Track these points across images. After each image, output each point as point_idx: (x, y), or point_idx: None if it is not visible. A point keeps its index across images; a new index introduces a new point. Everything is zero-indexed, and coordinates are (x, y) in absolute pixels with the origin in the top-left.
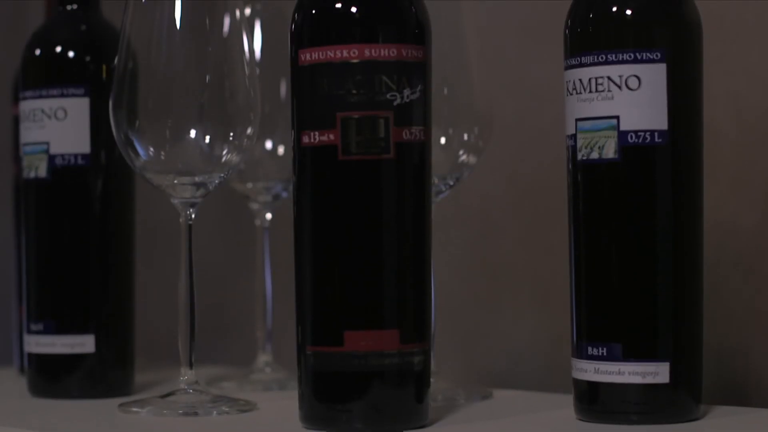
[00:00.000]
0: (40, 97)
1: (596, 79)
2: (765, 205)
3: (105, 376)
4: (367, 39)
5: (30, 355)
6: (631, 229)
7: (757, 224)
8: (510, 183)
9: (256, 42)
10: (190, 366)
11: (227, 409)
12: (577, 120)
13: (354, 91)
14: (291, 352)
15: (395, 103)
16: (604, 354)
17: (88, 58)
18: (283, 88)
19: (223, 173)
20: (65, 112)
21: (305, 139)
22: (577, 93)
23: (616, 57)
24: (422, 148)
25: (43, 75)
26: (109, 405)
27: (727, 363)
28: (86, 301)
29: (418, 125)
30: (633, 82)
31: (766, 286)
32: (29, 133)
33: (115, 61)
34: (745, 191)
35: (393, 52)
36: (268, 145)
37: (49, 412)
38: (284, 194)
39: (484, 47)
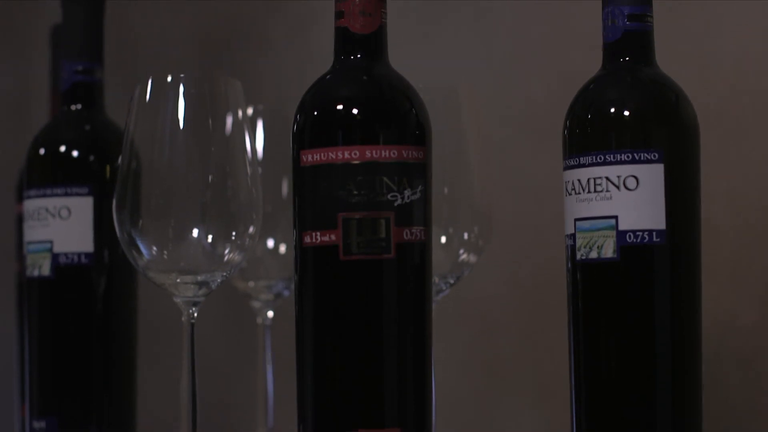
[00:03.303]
0: (44, 196)
1: (595, 179)
2: (764, 302)
3: None
4: (368, 140)
5: None
6: (631, 328)
7: (756, 321)
8: (510, 281)
9: (258, 142)
10: None
11: None
12: (576, 220)
13: (355, 192)
14: None
15: (396, 204)
16: None
17: (92, 158)
18: (285, 187)
19: (226, 272)
20: (69, 211)
21: (307, 239)
22: (575, 193)
23: (614, 157)
24: (423, 248)
25: (48, 174)
26: None
27: None
28: (88, 399)
29: (419, 225)
30: (631, 183)
31: (766, 382)
32: (33, 232)
33: (119, 160)
34: (744, 288)
35: (394, 153)
36: (270, 243)
37: None
38: (286, 293)
39: (484, 147)
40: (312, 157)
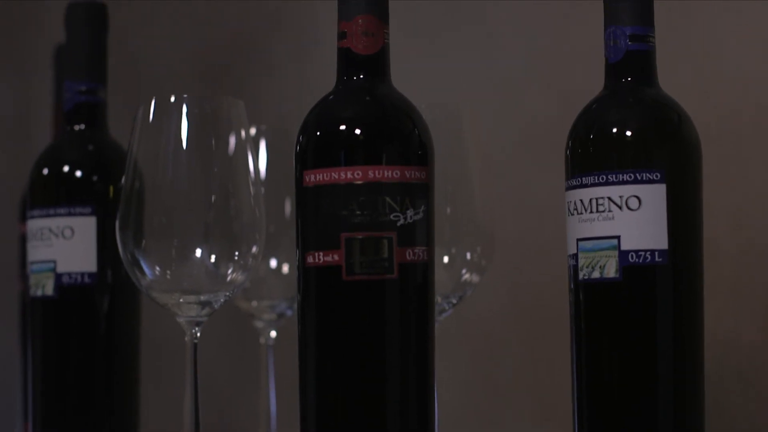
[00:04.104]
0: (48, 215)
1: (597, 199)
2: (766, 321)
3: None
4: (371, 161)
5: None
6: (633, 347)
7: (758, 339)
8: (512, 301)
9: (261, 161)
10: None
11: None
12: (578, 240)
13: (358, 212)
14: None
15: (399, 224)
16: None
17: (95, 178)
18: (288, 207)
19: (229, 292)
20: (72, 230)
21: (310, 260)
22: (578, 213)
23: (616, 178)
24: (425, 268)
25: (51, 194)
26: None
27: None
28: (91, 418)
29: (422, 245)
30: (633, 203)
31: None
32: (36, 252)
33: (122, 180)
34: (746, 306)
35: (396, 174)
36: (273, 263)
37: None
38: (289, 312)
39: (487, 167)
40: (315, 177)
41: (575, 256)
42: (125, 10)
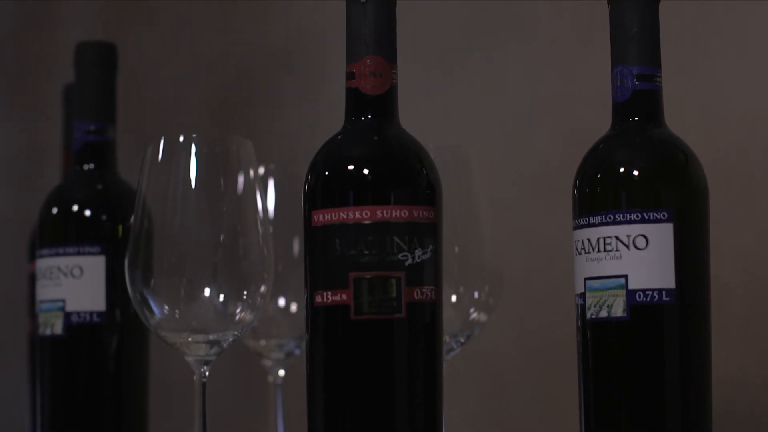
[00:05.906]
0: (57, 255)
1: (604, 238)
2: None
3: None
4: (379, 201)
5: None
6: (641, 387)
7: (766, 379)
8: (520, 340)
9: (269, 201)
10: None
11: None
12: (586, 279)
13: (366, 252)
14: None
15: (407, 264)
16: None
17: (104, 217)
18: (296, 246)
19: (237, 331)
20: (81, 270)
21: (318, 299)
22: (585, 252)
23: (623, 217)
24: (433, 308)
25: (60, 233)
26: None
27: None
28: None
29: (430, 285)
30: (641, 242)
31: None
32: (45, 291)
33: (131, 220)
34: (754, 346)
35: (404, 214)
36: (281, 302)
37: None
38: (297, 351)
39: (494, 206)
40: (323, 216)
41: (583, 296)
42: (134, 50)
